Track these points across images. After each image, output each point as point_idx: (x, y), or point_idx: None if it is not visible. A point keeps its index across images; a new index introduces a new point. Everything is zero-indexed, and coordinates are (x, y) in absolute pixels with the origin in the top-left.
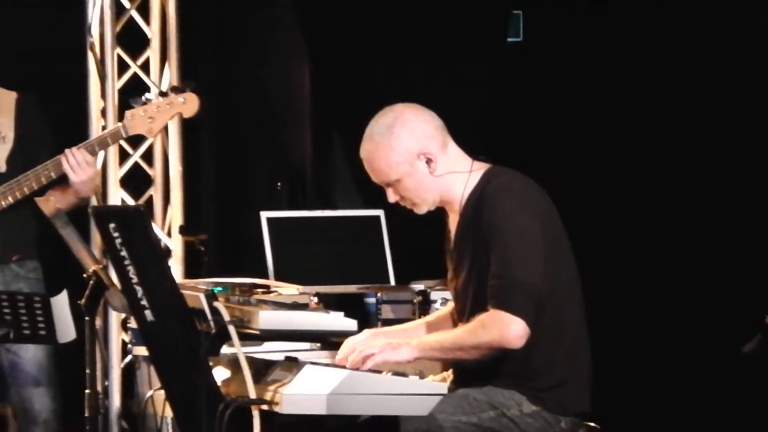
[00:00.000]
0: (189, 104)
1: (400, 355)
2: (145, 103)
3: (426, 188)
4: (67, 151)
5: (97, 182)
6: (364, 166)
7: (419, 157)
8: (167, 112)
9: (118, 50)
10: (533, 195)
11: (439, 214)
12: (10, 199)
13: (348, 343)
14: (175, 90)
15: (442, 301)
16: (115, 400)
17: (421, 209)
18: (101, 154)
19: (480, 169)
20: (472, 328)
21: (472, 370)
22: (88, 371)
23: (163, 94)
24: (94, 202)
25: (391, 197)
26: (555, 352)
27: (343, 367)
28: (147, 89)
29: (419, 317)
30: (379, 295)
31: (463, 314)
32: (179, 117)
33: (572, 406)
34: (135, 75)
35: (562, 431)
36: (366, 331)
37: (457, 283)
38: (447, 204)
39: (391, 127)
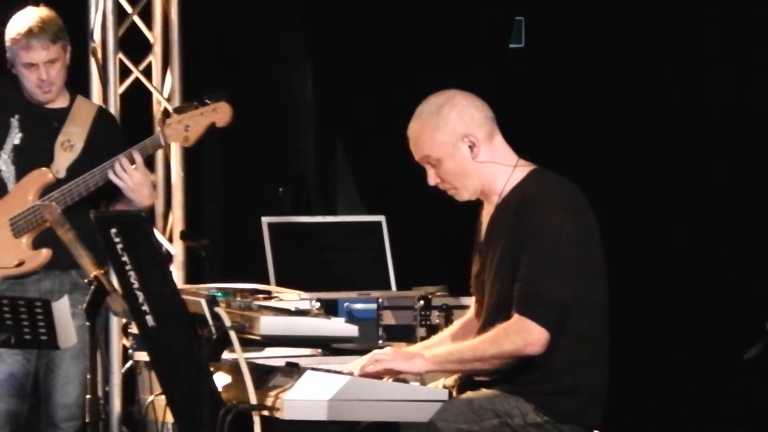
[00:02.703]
0: (222, 113)
1: (413, 367)
2: (183, 112)
3: (467, 173)
4: (112, 161)
5: (148, 190)
6: (409, 144)
7: (463, 139)
8: (201, 121)
9: (120, 55)
10: (576, 203)
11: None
12: (62, 206)
13: (369, 356)
14: (209, 99)
15: (444, 307)
16: (116, 406)
17: (462, 195)
18: None
19: (525, 166)
20: (494, 337)
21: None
22: (88, 376)
23: (199, 104)
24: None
25: (432, 179)
26: (572, 359)
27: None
28: (149, 94)
29: (420, 323)
30: (380, 300)
31: (487, 307)
32: (212, 126)
33: (582, 416)
34: (137, 80)
35: None
36: (390, 348)
37: (484, 276)
38: (486, 195)
39: (441, 106)
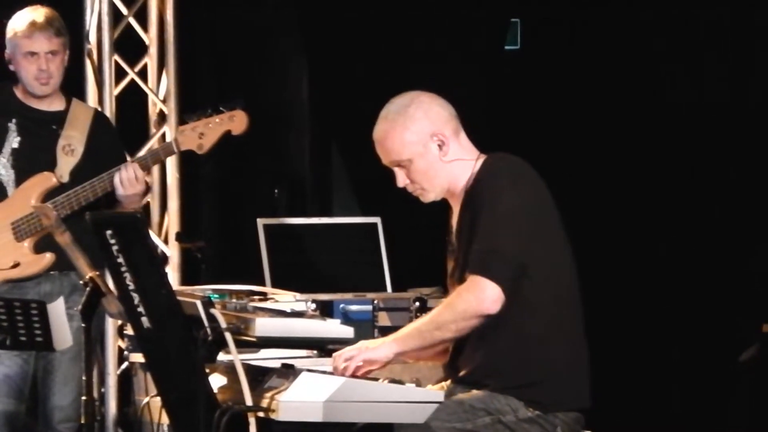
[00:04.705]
0: (237, 121)
1: (379, 353)
2: (197, 119)
3: (435, 172)
4: (122, 165)
5: (143, 199)
6: (375, 147)
7: (432, 138)
8: (217, 129)
9: (116, 57)
10: (527, 176)
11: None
12: (68, 210)
13: (335, 355)
14: (225, 107)
15: None
16: (112, 407)
17: (428, 196)
18: None
19: (483, 157)
20: (448, 302)
21: (469, 375)
22: (84, 378)
23: (214, 111)
24: None
25: (401, 180)
26: (547, 341)
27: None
28: (144, 96)
29: None
30: (376, 302)
31: None
32: (228, 134)
33: (570, 401)
34: (132, 82)
35: None
36: (361, 342)
37: (458, 274)
38: (452, 194)
39: (407, 107)
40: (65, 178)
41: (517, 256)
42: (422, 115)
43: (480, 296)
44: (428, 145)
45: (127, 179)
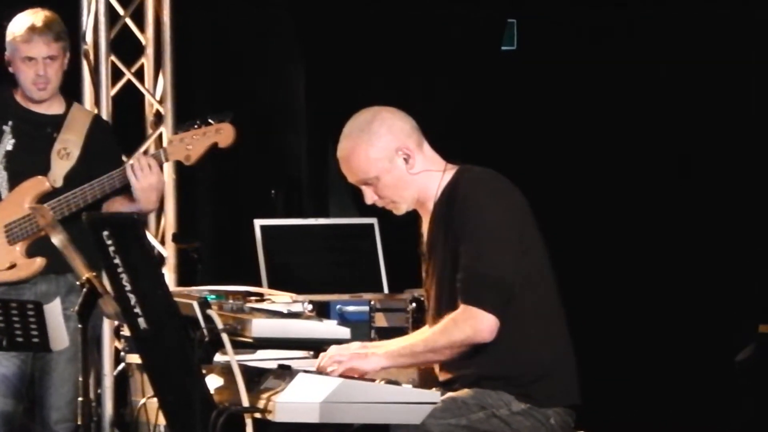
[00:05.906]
0: (224, 135)
1: (368, 364)
2: (186, 130)
3: (404, 186)
4: (135, 156)
5: (157, 196)
6: (340, 166)
7: (398, 153)
8: (203, 141)
9: (113, 57)
10: (505, 188)
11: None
12: (58, 216)
13: (328, 352)
14: (213, 119)
15: None
16: (108, 408)
17: (400, 209)
18: None
19: (453, 168)
20: (444, 328)
21: (460, 376)
22: (81, 379)
23: (202, 123)
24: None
25: (369, 198)
26: (535, 344)
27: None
28: (141, 96)
29: (412, 325)
30: (372, 303)
31: (437, 311)
32: (215, 147)
33: (561, 397)
34: (129, 82)
35: (551, 428)
36: (355, 344)
37: (431, 283)
38: (422, 204)
39: (369, 124)
40: (59, 183)
41: (507, 277)
42: (386, 131)
43: (476, 327)
44: (394, 160)
45: (139, 168)
